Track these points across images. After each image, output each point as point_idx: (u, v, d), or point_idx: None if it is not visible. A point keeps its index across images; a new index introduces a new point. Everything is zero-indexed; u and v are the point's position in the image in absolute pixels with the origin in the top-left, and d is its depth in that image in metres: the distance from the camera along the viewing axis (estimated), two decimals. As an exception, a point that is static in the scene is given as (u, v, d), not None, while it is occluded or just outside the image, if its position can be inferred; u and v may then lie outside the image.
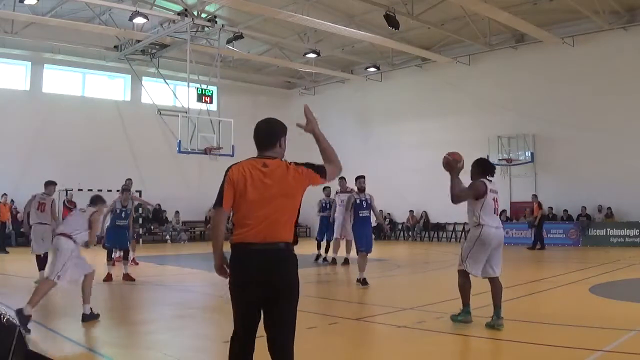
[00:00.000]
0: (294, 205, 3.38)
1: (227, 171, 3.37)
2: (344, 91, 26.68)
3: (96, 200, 7.32)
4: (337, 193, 13.07)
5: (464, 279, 6.25)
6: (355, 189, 10.10)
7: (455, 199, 6.19)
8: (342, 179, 12.82)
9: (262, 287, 3.20)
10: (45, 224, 9.96)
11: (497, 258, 6.18)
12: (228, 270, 3.32)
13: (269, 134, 3.49)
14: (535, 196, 18.12)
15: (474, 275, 6.17)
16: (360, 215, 9.74)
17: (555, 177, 19.62)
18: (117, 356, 5.29)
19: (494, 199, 6.30)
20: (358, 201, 9.78)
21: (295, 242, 3.41)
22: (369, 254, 9.67)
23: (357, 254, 9.68)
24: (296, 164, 3.43)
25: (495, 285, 6.12)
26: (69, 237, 6.63)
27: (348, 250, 12.70)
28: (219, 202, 3.35)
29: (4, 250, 16.91)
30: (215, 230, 3.45)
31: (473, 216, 6.27)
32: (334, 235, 13.10)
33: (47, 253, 9.34)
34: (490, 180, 6.44)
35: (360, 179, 10.16)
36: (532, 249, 17.23)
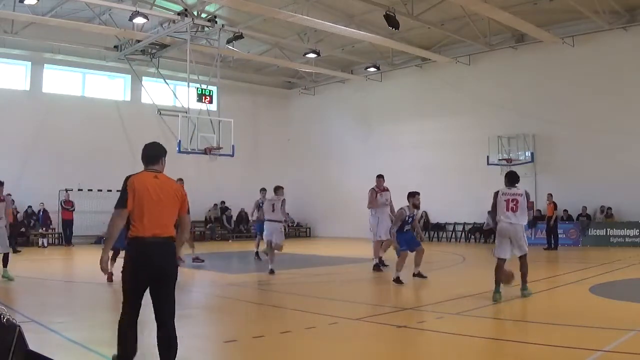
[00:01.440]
0: (175, 210, 4.35)
1: (127, 180, 4.26)
2: (344, 91, 26.68)
3: (277, 190, 11.97)
4: (376, 191, 12.32)
5: (498, 265, 7.85)
6: (409, 204, 10.00)
7: (494, 216, 8.19)
8: (381, 177, 12.40)
9: (153, 271, 4.16)
10: None
11: (519, 242, 7.93)
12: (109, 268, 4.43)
13: (155, 153, 4.49)
14: (550, 195, 17.70)
15: (501, 258, 7.83)
16: (405, 229, 9.97)
17: (555, 177, 19.61)
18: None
19: (505, 200, 7.97)
20: (408, 218, 9.91)
21: (174, 238, 4.34)
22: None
23: (398, 255, 9.95)
24: (183, 190, 4.48)
25: (523, 264, 7.96)
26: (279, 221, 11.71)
27: (384, 249, 12.26)
28: (122, 204, 4.20)
29: (15, 250, 16.90)
30: (114, 228, 4.25)
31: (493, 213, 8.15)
32: (377, 236, 12.38)
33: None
34: (510, 187, 8.11)
35: (416, 195, 10.08)
36: (549, 249, 17.06)
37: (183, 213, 4.43)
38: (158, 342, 4.20)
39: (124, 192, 4.21)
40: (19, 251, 16.74)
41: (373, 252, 12.17)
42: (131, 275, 4.18)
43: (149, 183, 4.27)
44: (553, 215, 17.36)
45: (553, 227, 17.35)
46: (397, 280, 9.57)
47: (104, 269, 4.40)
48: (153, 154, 4.47)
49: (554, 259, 15.09)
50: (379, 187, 12.32)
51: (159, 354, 4.16)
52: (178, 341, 4.25)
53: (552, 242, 17.29)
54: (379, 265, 11.97)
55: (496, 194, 8.09)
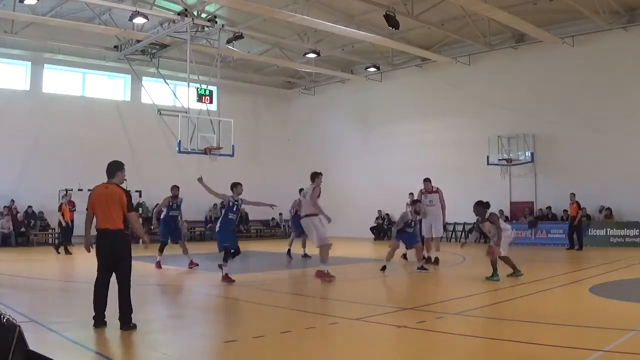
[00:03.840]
0: (119, 210, 6.14)
1: (92, 190, 6.31)
2: (344, 91, 26.68)
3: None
4: (422, 193, 13.21)
5: (506, 258, 9.97)
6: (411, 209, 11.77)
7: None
8: (428, 180, 13.22)
9: (110, 253, 6.11)
10: None
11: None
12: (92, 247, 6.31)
13: (111, 169, 6.36)
14: (573, 195, 17.30)
15: (503, 254, 9.88)
16: (406, 230, 11.60)
17: (555, 177, 19.60)
18: (117, 356, 5.29)
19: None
20: (410, 222, 11.54)
21: (126, 227, 6.27)
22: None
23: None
24: (125, 192, 6.29)
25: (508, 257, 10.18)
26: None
27: (437, 248, 13.06)
28: (87, 208, 6.32)
29: (67, 251, 16.43)
30: (86, 224, 6.38)
31: (499, 228, 10.04)
32: (425, 235, 13.15)
33: None
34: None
35: (417, 202, 12.00)
36: (572, 248, 16.87)
37: (125, 212, 6.19)
38: (118, 293, 5.98)
39: (89, 199, 6.32)
40: (70, 253, 16.30)
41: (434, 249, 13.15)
42: (97, 255, 6.17)
43: (100, 192, 6.22)
44: (577, 215, 17.01)
45: (577, 227, 17.06)
46: (384, 269, 11.22)
47: (87, 249, 6.50)
48: (109, 171, 6.36)
49: (554, 259, 15.09)
50: (425, 190, 13.21)
51: (119, 299, 5.94)
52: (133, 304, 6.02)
53: (577, 241, 17.02)
54: (431, 261, 12.76)
55: (496, 215, 10.50)
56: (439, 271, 12.08)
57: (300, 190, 15.44)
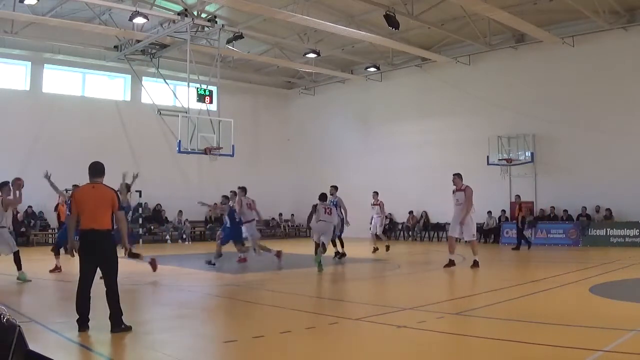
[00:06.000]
0: (108, 209, 6.07)
1: (73, 192, 6.59)
2: (344, 91, 26.68)
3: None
4: (454, 192, 12.29)
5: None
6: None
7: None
8: (458, 176, 12.19)
9: (95, 254, 5.97)
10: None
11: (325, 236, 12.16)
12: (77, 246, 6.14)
13: (100, 169, 6.31)
14: (518, 196, 18.17)
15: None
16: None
17: (555, 177, 19.61)
18: (117, 356, 5.29)
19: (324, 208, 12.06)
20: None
21: (113, 228, 6.15)
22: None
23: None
24: (115, 192, 6.28)
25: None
26: None
27: (475, 252, 12.14)
28: (70, 210, 6.48)
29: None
30: (71, 226, 6.39)
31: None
32: (451, 234, 12.56)
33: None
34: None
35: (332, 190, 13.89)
36: (517, 249, 17.17)
37: (115, 210, 6.14)
38: (106, 296, 5.89)
39: (71, 201, 6.42)
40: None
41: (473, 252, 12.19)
42: (81, 256, 6.02)
43: (86, 192, 6.15)
44: (518, 216, 17.64)
45: (520, 227, 17.59)
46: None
47: (72, 249, 6.52)
48: (97, 170, 6.28)
49: (554, 259, 15.09)
50: (456, 187, 12.20)
51: (107, 302, 5.84)
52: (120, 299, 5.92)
53: (522, 242, 17.46)
54: (452, 262, 12.03)
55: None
56: (438, 272, 12.06)
57: (238, 191, 13.90)
